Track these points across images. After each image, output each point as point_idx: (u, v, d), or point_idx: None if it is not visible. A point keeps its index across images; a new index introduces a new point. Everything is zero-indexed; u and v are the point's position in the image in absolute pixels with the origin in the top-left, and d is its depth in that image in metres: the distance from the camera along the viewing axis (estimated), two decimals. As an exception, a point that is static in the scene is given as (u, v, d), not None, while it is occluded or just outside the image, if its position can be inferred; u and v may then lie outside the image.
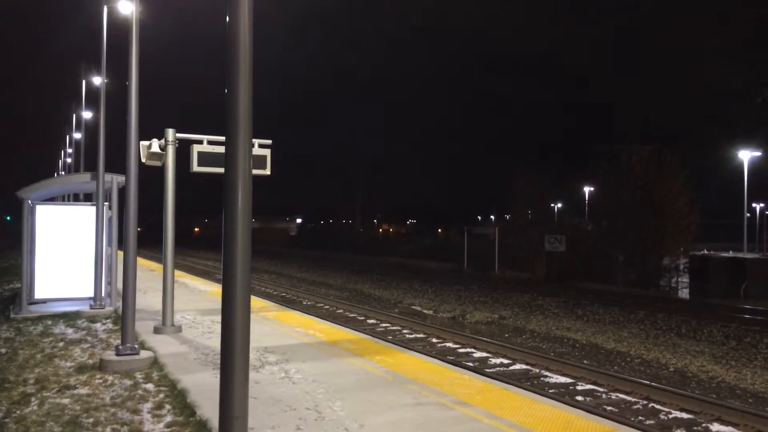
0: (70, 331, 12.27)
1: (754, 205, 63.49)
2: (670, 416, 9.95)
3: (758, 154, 37.58)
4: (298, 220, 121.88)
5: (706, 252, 34.42)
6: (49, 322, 13.11)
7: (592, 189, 47.77)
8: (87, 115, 27.18)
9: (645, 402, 10.63)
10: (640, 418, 9.85)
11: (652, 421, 9.72)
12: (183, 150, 11.70)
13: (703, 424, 9.56)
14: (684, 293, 30.43)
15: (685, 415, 9.94)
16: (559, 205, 52.74)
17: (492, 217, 70.50)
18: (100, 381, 8.37)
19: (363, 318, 20.11)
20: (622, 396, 11.01)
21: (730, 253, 34.79)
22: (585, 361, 14.14)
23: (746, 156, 38.18)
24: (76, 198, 26.31)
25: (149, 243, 53.25)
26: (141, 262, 31.67)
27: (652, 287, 31.65)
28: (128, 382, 8.28)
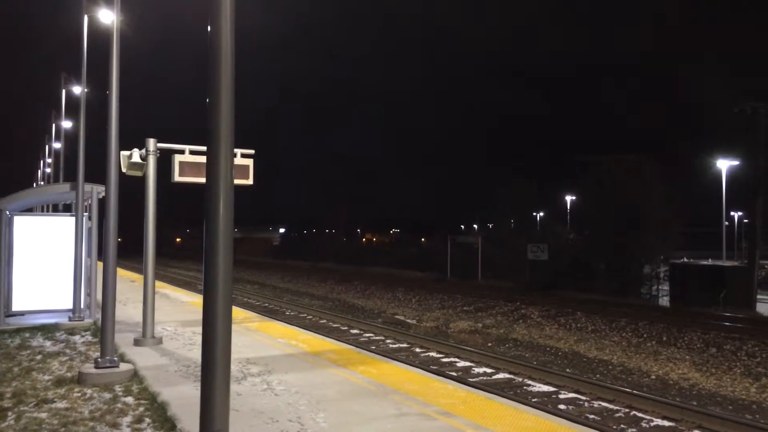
0: (48, 343, 12.08)
1: (732, 213, 64.39)
2: (652, 424, 10.01)
3: (736, 163, 38.15)
4: (281, 230, 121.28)
5: (685, 260, 34.80)
6: (27, 335, 12.91)
7: (574, 198, 48.17)
8: (67, 124, 26.90)
9: (627, 410, 10.69)
10: (622, 426, 9.90)
11: (634, 429, 9.77)
12: (165, 159, 11.62)
13: (685, 432, 9.63)
14: (665, 301, 30.65)
15: (666, 423, 10.01)
16: (542, 213, 53.13)
17: (475, 226, 70.84)
18: (79, 394, 8.24)
19: (346, 328, 20.04)
20: (604, 404, 11.06)
21: (709, 261, 35.22)
22: (568, 370, 14.19)
23: (725, 165, 38.77)
24: (55, 209, 26.00)
25: (130, 254, 52.72)
26: (121, 273, 31.35)
27: (634, 295, 31.86)
28: (107, 396, 8.16)
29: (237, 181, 11.56)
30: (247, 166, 11.87)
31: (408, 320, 22.35)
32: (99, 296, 13.30)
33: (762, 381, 13.15)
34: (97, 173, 12.47)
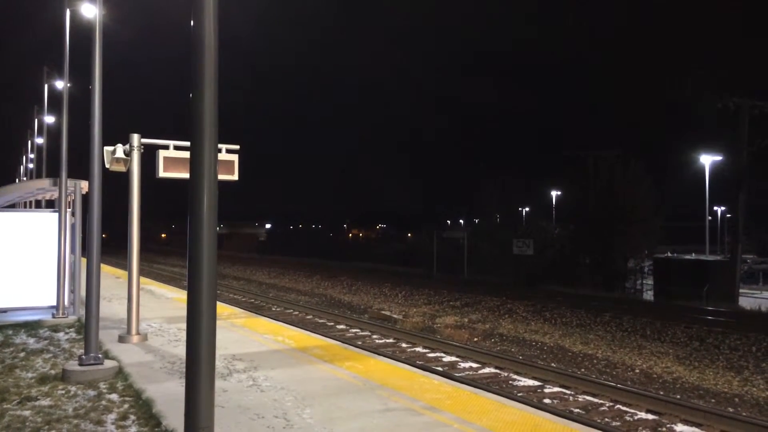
0: (31, 341, 11.97)
1: (715, 208, 65.00)
2: (636, 417, 10.10)
3: (719, 158, 38.53)
4: (267, 226, 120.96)
5: (669, 255, 35.13)
6: (10, 332, 12.77)
7: (559, 193, 48.47)
8: (50, 119, 26.64)
9: (611, 403, 10.78)
10: (606, 419, 9.99)
11: (618, 423, 9.86)
12: (149, 155, 11.53)
13: (668, 425, 9.73)
14: (649, 295, 30.93)
15: (650, 416, 10.11)
16: (527, 208, 53.34)
17: (461, 221, 71.02)
18: (63, 392, 8.17)
19: (333, 324, 20.02)
20: (589, 398, 11.15)
21: (693, 256, 35.59)
22: (553, 364, 14.29)
23: (707, 160, 39.14)
24: (38, 205, 25.76)
25: (115, 250, 52.30)
26: (106, 269, 31.11)
27: (618, 290, 32.13)
28: (92, 393, 8.10)
29: (222, 177, 11.52)
30: (232, 162, 11.81)
31: (394, 315, 22.37)
32: (83, 293, 13.19)
33: (744, 374, 13.32)
34: (80, 169, 12.33)
